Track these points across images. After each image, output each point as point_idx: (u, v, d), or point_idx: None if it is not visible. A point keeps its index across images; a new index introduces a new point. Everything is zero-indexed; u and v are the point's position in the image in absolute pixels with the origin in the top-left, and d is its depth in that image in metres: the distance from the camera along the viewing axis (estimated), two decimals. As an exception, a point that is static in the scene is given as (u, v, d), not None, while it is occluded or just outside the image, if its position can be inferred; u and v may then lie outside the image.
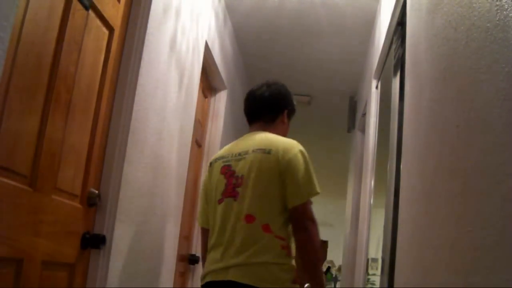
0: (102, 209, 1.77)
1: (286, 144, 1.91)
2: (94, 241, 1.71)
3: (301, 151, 1.90)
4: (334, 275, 6.81)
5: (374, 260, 2.83)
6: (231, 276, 1.76)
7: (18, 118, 1.28)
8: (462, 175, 1.06)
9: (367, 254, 3.03)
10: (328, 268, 6.85)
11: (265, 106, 2.07)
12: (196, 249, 3.30)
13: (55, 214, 1.51)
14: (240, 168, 1.90)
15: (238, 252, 1.79)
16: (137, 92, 1.88)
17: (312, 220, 1.85)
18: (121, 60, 1.87)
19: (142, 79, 1.91)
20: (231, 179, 1.90)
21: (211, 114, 3.58)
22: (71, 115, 1.54)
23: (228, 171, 1.93)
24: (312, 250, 1.83)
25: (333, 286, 6.90)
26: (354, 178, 4.17)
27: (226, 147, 2.07)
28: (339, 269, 6.26)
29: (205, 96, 3.44)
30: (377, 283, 2.49)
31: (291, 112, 2.15)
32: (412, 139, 1.67)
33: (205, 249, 2.02)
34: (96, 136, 1.73)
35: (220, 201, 1.90)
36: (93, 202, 1.72)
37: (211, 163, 2.05)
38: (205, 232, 2.05)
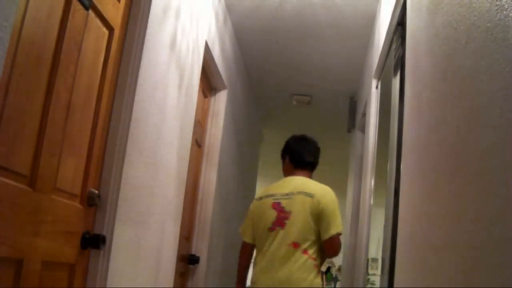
0: (102, 209, 1.77)
1: (323, 189, 2.68)
2: (94, 241, 1.70)
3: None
4: (334, 275, 6.81)
5: (374, 260, 2.83)
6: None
7: (18, 118, 1.28)
8: (462, 175, 1.06)
9: (367, 254, 3.02)
10: (328, 268, 6.85)
11: (316, 158, 2.90)
12: (196, 249, 3.30)
13: (55, 214, 1.51)
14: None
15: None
16: (137, 92, 1.87)
17: None
18: (121, 60, 1.87)
19: (142, 79, 1.91)
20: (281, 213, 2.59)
21: (211, 114, 3.57)
22: (71, 115, 1.54)
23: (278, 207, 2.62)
24: None
25: (333, 286, 6.89)
26: (354, 178, 4.17)
27: (273, 185, 2.78)
28: (339, 269, 6.26)
29: (205, 96, 3.44)
30: (377, 283, 2.49)
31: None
32: (412, 139, 1.67)
33: (246, 261, 2.77)
34: (96, 136, 1.73)
35: (271, 229, 2.58)
36: (93, 202, 1.72)
37: (261, 198, 2.75)
38: (249, 248, 2.75)
